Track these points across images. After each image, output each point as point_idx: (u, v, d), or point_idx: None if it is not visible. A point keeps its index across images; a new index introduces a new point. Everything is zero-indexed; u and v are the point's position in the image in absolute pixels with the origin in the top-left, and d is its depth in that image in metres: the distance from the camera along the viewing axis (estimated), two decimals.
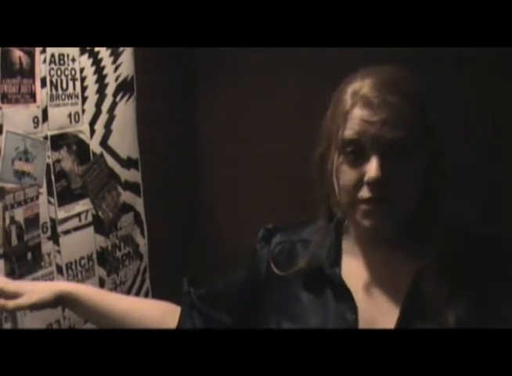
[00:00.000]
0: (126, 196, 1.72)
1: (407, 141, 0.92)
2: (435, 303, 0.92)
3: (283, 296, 1.05)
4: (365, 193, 0.93)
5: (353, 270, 1.01)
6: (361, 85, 0.94)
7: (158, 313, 1.17)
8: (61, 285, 1.17)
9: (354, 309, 0.97)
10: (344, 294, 0.99)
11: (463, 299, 0.91)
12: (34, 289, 1.12)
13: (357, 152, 0.94)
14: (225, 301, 1.14)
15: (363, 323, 0.96)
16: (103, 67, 1.59)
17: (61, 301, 1.14)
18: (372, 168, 0.92)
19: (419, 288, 0.94)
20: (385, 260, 0.99)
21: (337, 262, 1.02)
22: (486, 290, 0.92)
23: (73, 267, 1.49)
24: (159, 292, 1.42)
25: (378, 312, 0.96)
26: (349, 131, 0.94)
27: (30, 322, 1.31)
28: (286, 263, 1.06)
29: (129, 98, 1.72)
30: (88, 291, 1.17)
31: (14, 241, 1.29)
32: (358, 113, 0.93)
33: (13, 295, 1.12)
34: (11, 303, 1.10)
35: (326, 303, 1.00)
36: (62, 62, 1.42)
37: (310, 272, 1.03)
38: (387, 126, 0.91)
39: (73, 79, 1.47)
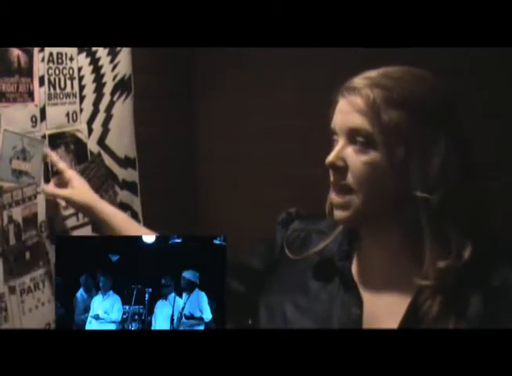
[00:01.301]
0: (123, 195, 1.71)
1: (370, 133, 0.91)
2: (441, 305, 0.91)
3: (292, 282, 1.06)
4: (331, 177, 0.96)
5: (363, 266, 1.01)
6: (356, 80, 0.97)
7: None
8: (95, 200, 1.34)
9: (359, 303, 0.97)
10: (351, 288, 0.99)
11: (469, 303, 0.91)
12: (79, 187, 1.34)
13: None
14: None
15: (367, 319, 0.96)
16: (101, 66, 1.59)
17: (88, 210, 1.33)
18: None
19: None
20: (396, 259, 0.98)
21: (348, 255, 1.02)
22: (496, 292, 0.92)
23: None
24: None
25: (383, 310, 0.96)
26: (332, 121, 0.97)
27: (28, 322, 1.31)
28: (300, 250, 1.07)
29: (126, 97, 1.71)
30: (104, 206, 1.35)
31: (12, 240, 1.28)
32: (339, 105, 0.96)
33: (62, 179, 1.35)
34: (66, 192, 1.34)
35: (332, 294, 1.00)
36: (60, 61, 1.42)
37: (321, 263, 1.04)
38: (352, 115, 0.92)
39: (71, 78, 1.47)
